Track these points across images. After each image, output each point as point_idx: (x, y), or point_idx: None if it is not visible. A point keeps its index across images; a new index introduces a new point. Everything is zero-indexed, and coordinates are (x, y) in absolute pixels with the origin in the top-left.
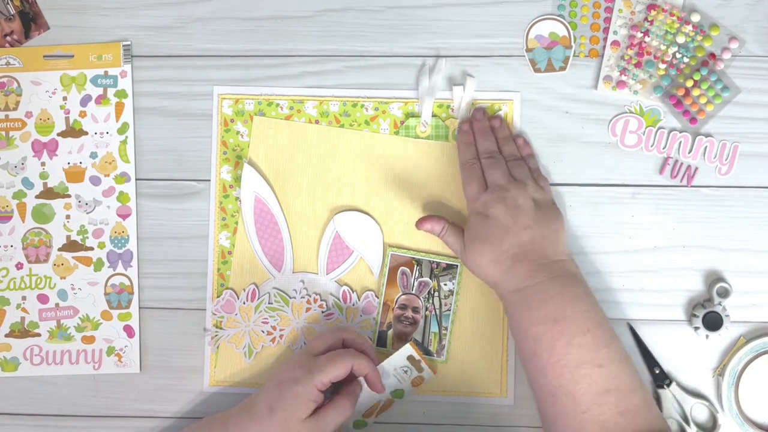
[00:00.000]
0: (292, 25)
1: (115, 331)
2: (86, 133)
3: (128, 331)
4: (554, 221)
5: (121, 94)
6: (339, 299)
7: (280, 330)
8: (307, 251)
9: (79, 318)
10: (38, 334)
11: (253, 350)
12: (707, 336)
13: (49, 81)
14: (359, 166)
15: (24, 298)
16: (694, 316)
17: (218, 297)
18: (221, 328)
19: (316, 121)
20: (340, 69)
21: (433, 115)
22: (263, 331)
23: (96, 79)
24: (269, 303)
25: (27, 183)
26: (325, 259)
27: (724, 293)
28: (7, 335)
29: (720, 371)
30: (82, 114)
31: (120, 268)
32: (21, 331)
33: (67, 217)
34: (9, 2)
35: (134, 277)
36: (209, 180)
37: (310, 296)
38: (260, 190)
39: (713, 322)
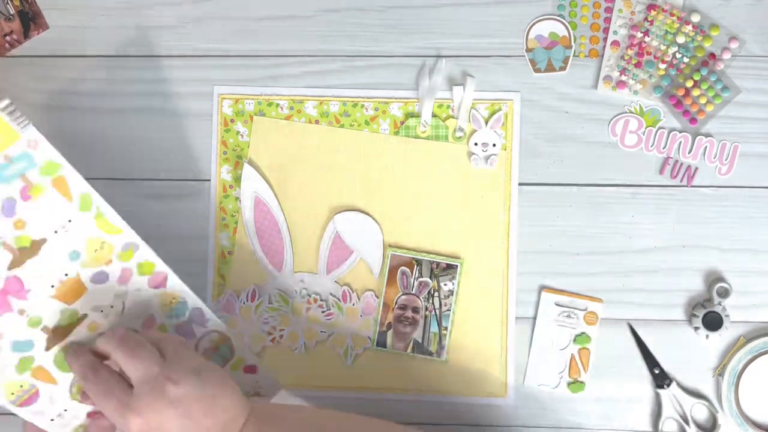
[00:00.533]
0: (292, 25)
1: None
2: (45, 241)
3: None
4: None
5: (49, 168)
6: (339, 299)
7: (280, 330)
8: (308, 251)
9: None
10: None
11: (253, 350)
12: (707, 336)
13: None
14: (359, 166)
15: None
16: (694, 316)
17: (218, 297)
18: None
19: (316, 121)
20: (340, 69)
21: (433, 116)
22: (263, 331)
23: None
24: (269, 303)
25: (20, 346)
26: (325, 259)
27: (724, 293)
28: None
29: (720, 371)
30: (19, 225)
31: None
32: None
33: (98, 327)
34: (9, 2)
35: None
36: (209, 180)
37: (310, 296)
38: (260, 190)
39: (713, 322)
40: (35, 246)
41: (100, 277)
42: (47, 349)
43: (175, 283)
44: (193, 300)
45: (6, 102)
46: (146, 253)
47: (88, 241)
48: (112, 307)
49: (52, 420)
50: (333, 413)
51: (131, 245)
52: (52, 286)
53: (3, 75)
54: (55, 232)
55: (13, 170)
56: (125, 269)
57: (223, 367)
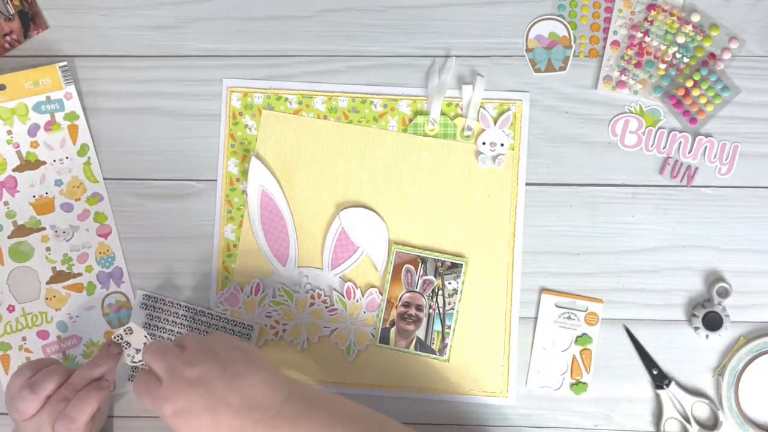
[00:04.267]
0: (293, 25)
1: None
2: (44, 163)
3: None
4: None
5: (71, 116)
6: (343, 295)
7: (284, 324)
8: (313, 246)
9: (84, 345)
10: None
11: (257, 344)
12: (707, 336)
13: None
14: (366, 163)
15: (24, 338)
16: (694, 316)
17: (222, 290)
18: None
19: (325, 117)
20: (342, 69)
21: (442, 114)
22: (267, 325)
23: (39, 106)
24: (273, 297)
25: None
26: (329, 255)
27: (724, 293)
28: None
29: (720, 371)
30: (34, 144)
31: (113, 287)
32: None
33: (47, 249)
34: (9, 2)
35: (129, 293)
36: (210, 179)
37: (314, 291)
38: (267, 184)
39: (713, 322)
40: (37, 164)
41: (67, 207)
42: (9, 237)
43: (114, 240)
44: (120, 260)
45: (64, 63)
46: (105, 207)
47: (72, 178)
48: (64, 232)
49: None
50: (371, 412)
51: (98, 195)
52: (34, 197)
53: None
54: (54, 161)
55: (48, 108)
56: (86, 210)
57: (114, 329)
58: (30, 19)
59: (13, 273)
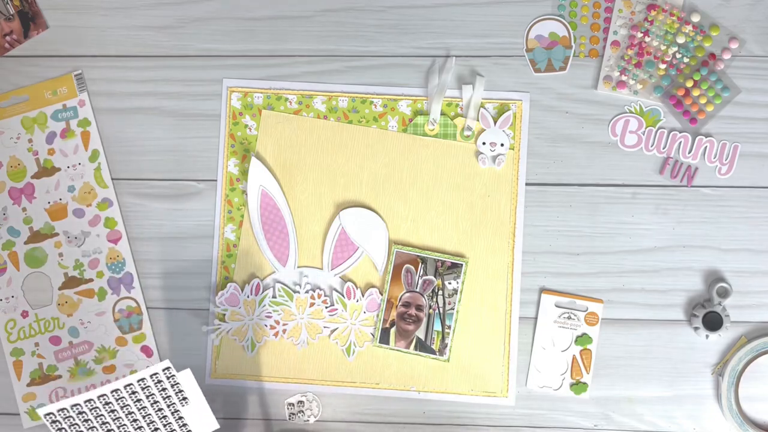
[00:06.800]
0: (293, 25)
1: (134, 354)
2: (59, 169)
3: (146, 351)
4: None
5: (84, 123)
6: (343, 295)
7: (284, 324)
8: (312, 246)
9: (96, 350)
10: (59, 376)
11: (256, 344)
12: (707, 336)
13: (11, 127)
14: (366, 163)
15: (37, 344)
16: (694, 316)
17: (222, 290)
18: (224, 321)
19: (325, 117)
20: (342, 69)
21: (442, 114)
22: (266, 325)
23: (56, 114)
24: (273, 297)
25: (13, 231)
26: (330, 255)
27: (724, 293)
28: (29, 384)
29: (719, 369)
30: (51, 152)
31: (123, 292)
32: (41, 377)
33: (60, 255)
34: (9, 2)
35: (140, 298)
36: (210, 179)
37: (314, 291)
38: (267, 183)
39: (713, 322)
40: (52, 171)
41: (79, 213)
42: (25, 243)
43: (124, 245)
44: (130, 265)
45: (79, 71)
46: (115, 212)
47: (83, 183)
48: (76, 237)
49: None
50: None
51: (108, 200)
52: (49, 203)
53: (3, 75)
54: (67, 167)
55: (64, 115)
56: (97, 216)
57: (125, 335)
58: (30, 19)
59: (28, 279)
